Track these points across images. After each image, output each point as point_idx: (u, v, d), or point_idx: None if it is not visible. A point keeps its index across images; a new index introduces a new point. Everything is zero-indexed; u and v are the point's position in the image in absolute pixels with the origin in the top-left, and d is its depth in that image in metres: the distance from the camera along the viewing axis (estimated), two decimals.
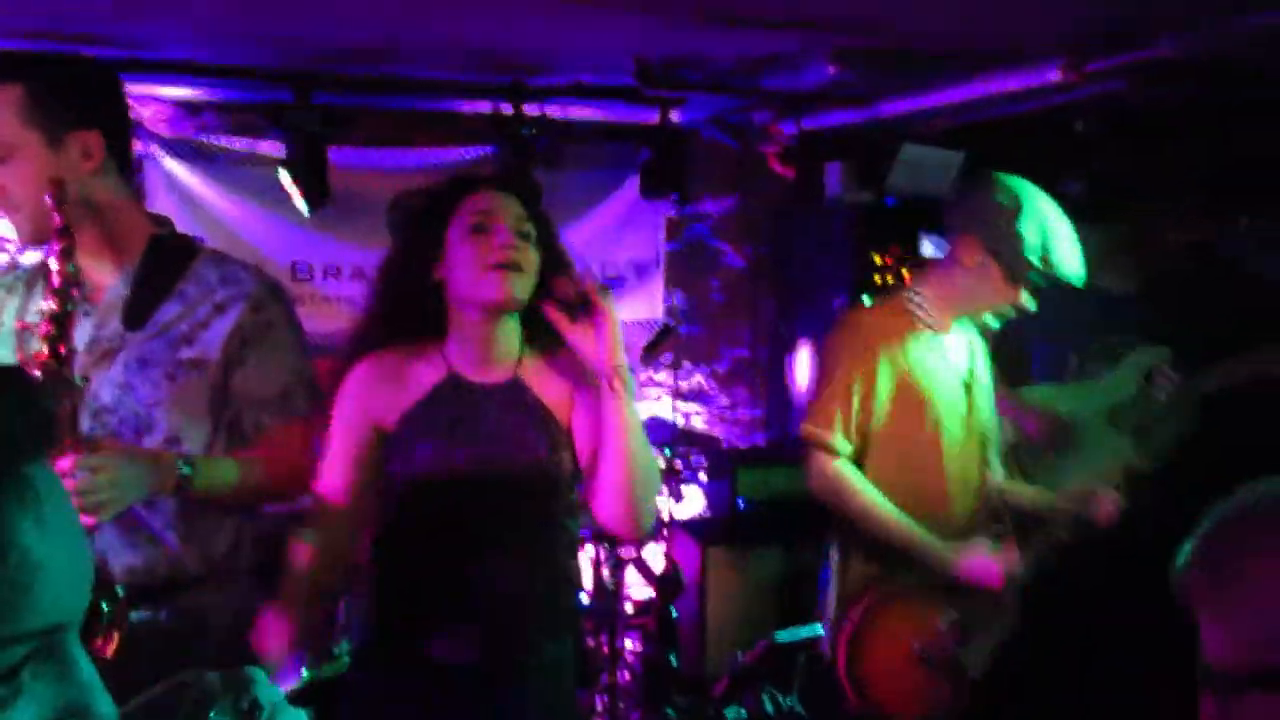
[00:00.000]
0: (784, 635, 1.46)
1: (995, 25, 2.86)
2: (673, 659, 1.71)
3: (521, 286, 1.65)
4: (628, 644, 3.64)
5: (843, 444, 2.10)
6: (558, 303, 1.65)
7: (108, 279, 1.61)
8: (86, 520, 1.36)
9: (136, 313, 1.58)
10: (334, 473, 1.68)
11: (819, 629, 1.76)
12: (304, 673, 2.50)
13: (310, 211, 3.61)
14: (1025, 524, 2.23)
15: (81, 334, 1.55)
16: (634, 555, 3.31)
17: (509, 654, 1.69)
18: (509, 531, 1.68)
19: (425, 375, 1.69)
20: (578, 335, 1.65)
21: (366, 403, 1.69)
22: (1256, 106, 3.36)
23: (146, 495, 1.48)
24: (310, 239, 3.95)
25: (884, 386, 2.09)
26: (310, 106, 3.50)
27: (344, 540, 1.69)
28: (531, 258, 1.67)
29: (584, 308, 1.64)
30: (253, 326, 1.63)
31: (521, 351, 1.73)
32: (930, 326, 2.14)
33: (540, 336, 1.74)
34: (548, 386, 1.73)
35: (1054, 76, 2.96)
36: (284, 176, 3.53)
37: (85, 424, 1.53)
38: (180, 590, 1.60)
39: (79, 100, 1.55)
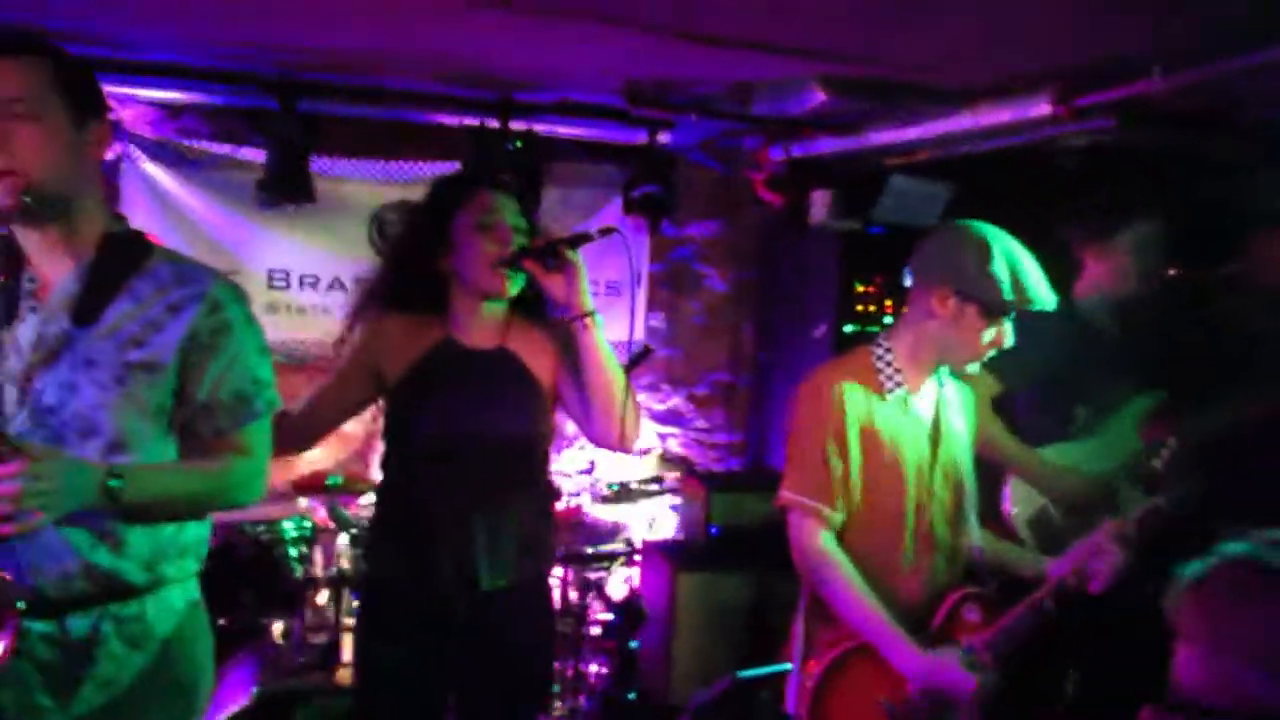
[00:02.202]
0: (746, 673, 1.41)
1: (983, 57, 2.86)
2: (631, 695, 1.66)
3: (517, 281, 2.02)
4: (592, 668, 3.58)
5: (835, 515, 2.04)
6: (535, 256, 1.98)
7: (59, 275, 1.55)
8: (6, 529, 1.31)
9: (86, 310, 1.52)
10: (326, 388, 2.08)
11: (784, 666, 1.69)
12: (251, 691, 2.43)
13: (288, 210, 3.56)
14: (1011, 585, 2.14)
15: (27, 332, 1.49)
16: (603, 578, 3.26)
17: (499, 578, 2.01)
18: (498, 471, 2.02)
19: (424, 337, 2.04)
20: (552, 283, 2.00)
21: (374, 348, 2.05)
22: (1233, 151, 3.37)
23: (81, 506, 1.41)
24: (288, 247, 3.91)
25: (854, 448, 2.04)
26: (294, 114, 3.46)
27: (305, 435, 2.11)
28: None
29: (556, 260, 1.97)
30: (209, 329, 1.57)
31: (509, 325, 2.08)
32: (895, 385, 2.09)
33: (526, 313, 2.11)
34: (531, 354, 2.09)
35: (1044, 110, 2.95)
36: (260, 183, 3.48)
37: (27, 425, 1.47)
38: (118, 599, 1.54)
39: (97, 90, 1.58)
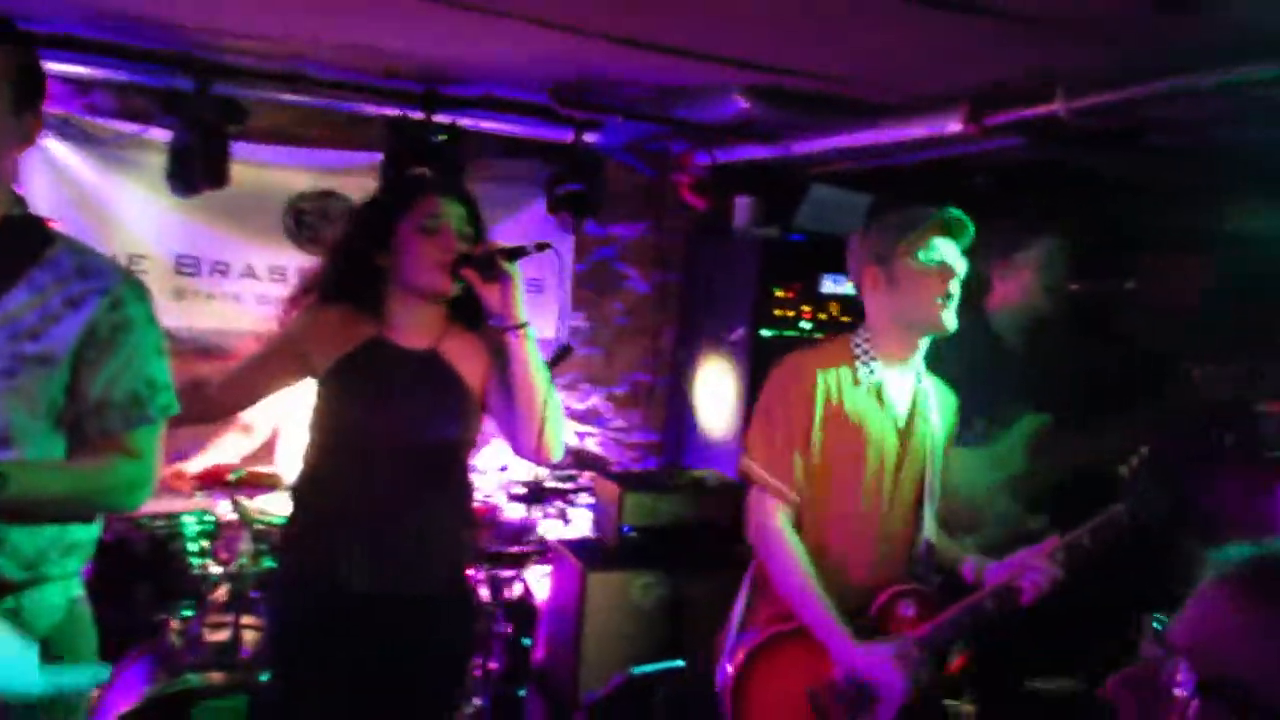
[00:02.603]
0: (641, 669, 1.42)
1: (899, 75, 2.94)
2: (521, 691, 1.67)
3: (458, 283, 2.02)
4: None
5: (795, 497, 2.10)
6: (473, 265, 2.00)
7: None
8: None
9: None
10: (250, 363, 2.10)
11: (678, 663, 1.71)
12: (145, 690, 2.36)
13: (193, 195, 3.46)
14: (955, 584, 2.19)
15: None
16: (514, 577, 3.24)
17: (417, 585, 2.02)
18: (421, 473, 2.03)
19: (357, 333, 2.04)
20: (488, 292, 2.02)
21: (307, 335, 2.05)
22: (1136, 170, 3.53)
23: None
24: (198, 233, 3.79)
25: (819, 430, 2.10)
26: (210, 96, 3.37)
27: (220, 406, 2.13)
28: None
29: (493, 270, 2.00)
30: (108, 326, 1.52)
31: (443, 329, 2.09)
32: (869, 371, 2.15)
33: (461, 319, 2.11)
34: (463, 359, 2.09)
35: (955, 127, 3.04)
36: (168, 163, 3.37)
37: None
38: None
39: (43, 82, 1.57)
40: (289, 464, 3.33)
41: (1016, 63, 2.62)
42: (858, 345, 2.18)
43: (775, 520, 2.09)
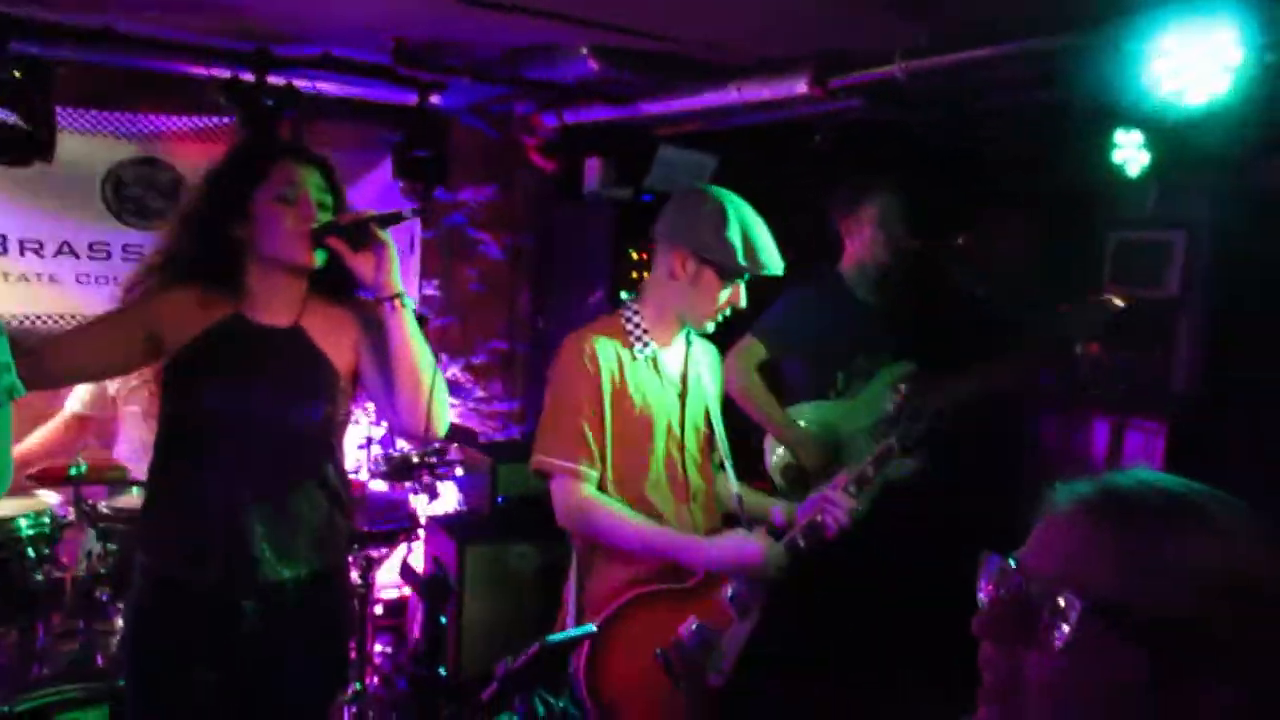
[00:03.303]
0: (555, 637, 1.44)
1: (747, 38, 2.99)
2: (442, 670, 1.65)
3: (320, 253, 1.91)
4: (377, 648, 3.50)
5: (592, 471, 2.10)
6: (341, 233, 1.89)
7: None
8: None
9: None
10: (89, 330, 1.98)
11: (589, 628, 1.73)
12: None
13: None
14: (771, 531, 2.26)
15: None
16: (385, 555, 3.17)
17: (284, 570, 1.93)
18: (285, 456, 1.93)
19: (213, 311, 1.92)
20: (359, 263, 1.92)
21: (157, 314, 1.90)
22: (963, 140, 3.76)
23: None
24: (4, 207, 3.45)
25: (609, 407, 2.12)
26: (7, 55, 3.04)
27: (47, 374, 1.86)
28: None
29: (366, 238, 1.90)
30: None
31: (304, 304, 1.97)
32: (644, 345, 2.19)
33: (324, 291, 1.99)
34: (328, 335, 1.98)
35: (801, 89, 3.13)
36: None
37: None
38: None
39: None
40: (132, 454, 3.12)
41: (853, 31, 2.73)
42: (628, 319, 2.22)
43: (580, 493, 2.08)
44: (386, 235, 1.92)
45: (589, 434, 2.09)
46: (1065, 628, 0.83)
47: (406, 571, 1.80)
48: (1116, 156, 3.09)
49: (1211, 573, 0.81)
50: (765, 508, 2.33)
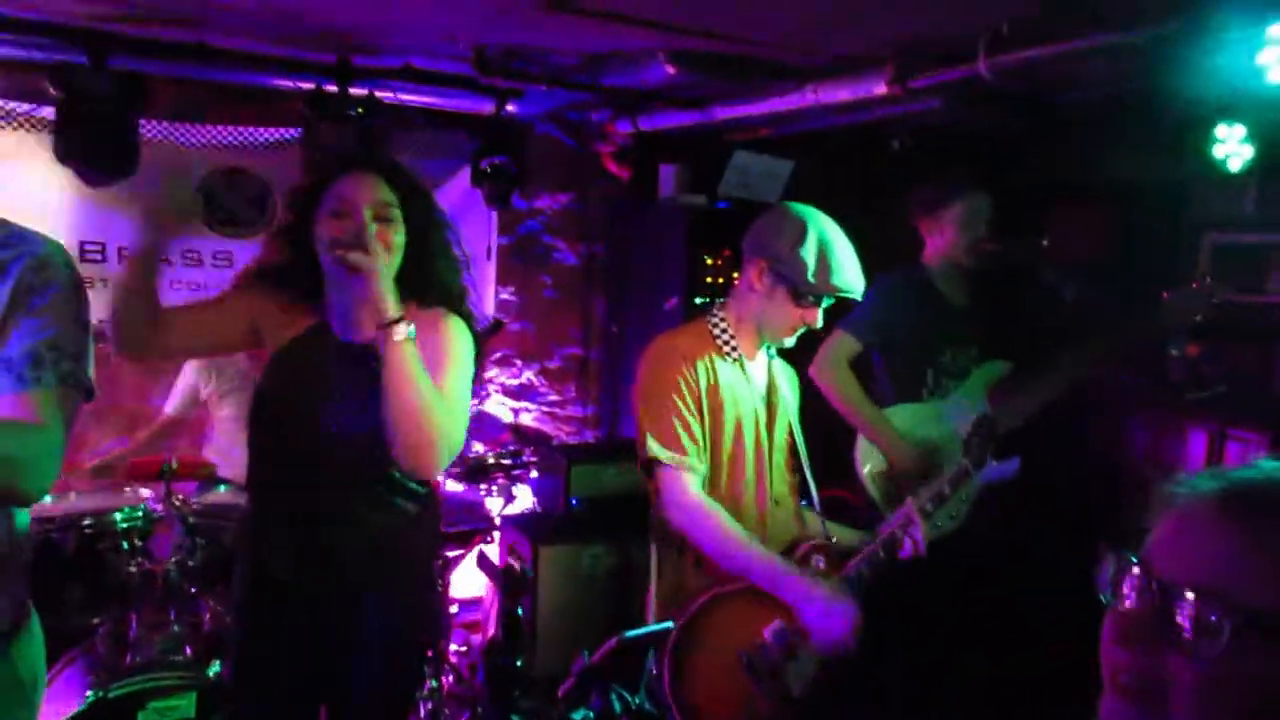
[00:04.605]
0: (632, 633, 1.43)
1: (824, 37, 2.96)
2: (519, 662, 1.65)
3: (369, 263, 1.78)
4: (453, 646, 3.53)
5: (701, 466, 2.11)
6: (335, 252, 1.82)
7: None
8: None
9: None
10: (196, 312, 2.04)
11: (669, 625, 1.71)
12: (89, 694, 2.26)
13: (99, 185, 3.27)
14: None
15: None
16: (461, 555, 3.20)
17: (351, 579, 1.94)
18: (362, 468, 1.91)
19: (303, 320, 1.98)
20: (355, 281, 1.83)
21: (257, 307, 1.99)
22: (1042, 136, 3.65)
23: None
24: (105, 217, 3.61)
25: (705, 409, 2.13)
26: (106, 70, 3.18)
27: (151, 346, 1.92)
28: (390, 237, 1.86)
29: (346, 265, 1.80)
30: (27, 285, 1.43)
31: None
32: (732, 350, 2.20)
33: (414, 299, 1.91)
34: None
35: (880, 90, 3.08)
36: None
37: None
38: None
39: None
40: (220, 454, 3.22)
41: (937, 14, 2.66)
42: (714, 325, 2.23)
43: (692, 492, 2.08)
44: (360, 259, 1.77)
45: (694, 428, 2.10)
46: (1216, 640, 0.76)
47: (484, 561, 1.81)
48: (1217, 151, 2.95)
49: None
50: (833, 531, 2.31)
